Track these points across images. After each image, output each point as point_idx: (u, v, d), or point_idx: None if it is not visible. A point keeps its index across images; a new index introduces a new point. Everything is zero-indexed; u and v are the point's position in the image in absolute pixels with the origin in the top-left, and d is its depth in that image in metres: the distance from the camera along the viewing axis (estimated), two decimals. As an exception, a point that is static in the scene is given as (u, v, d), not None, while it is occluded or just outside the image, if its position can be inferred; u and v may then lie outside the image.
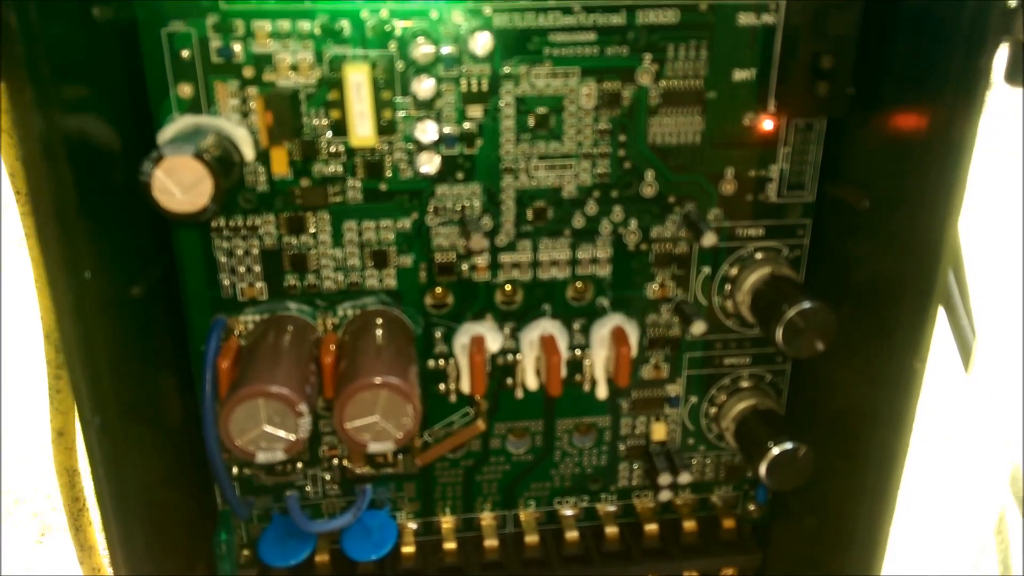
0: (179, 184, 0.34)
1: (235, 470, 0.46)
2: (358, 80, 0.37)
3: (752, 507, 0.52)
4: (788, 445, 0.43)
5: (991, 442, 0.41)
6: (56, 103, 0.30)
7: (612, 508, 0.50)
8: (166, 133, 0.38)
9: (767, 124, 0.42)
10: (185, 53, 0.37)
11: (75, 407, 0.49)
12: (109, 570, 0.55)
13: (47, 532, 1.72)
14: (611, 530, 0.50)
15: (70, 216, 0.31)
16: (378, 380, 0.37)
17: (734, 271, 0.45)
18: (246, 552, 0.48)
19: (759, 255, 0.45)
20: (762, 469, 0.44)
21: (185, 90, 0.38)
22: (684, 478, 0.48)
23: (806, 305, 0.40)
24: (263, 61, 0.38)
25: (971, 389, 0.42)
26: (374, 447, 0.38)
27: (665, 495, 0.49)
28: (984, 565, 0.47)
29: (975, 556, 0.45)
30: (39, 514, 1.76)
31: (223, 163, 0.36)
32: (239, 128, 0.39)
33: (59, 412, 0.49)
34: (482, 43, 0.38)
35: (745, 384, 0.48)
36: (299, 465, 0.47)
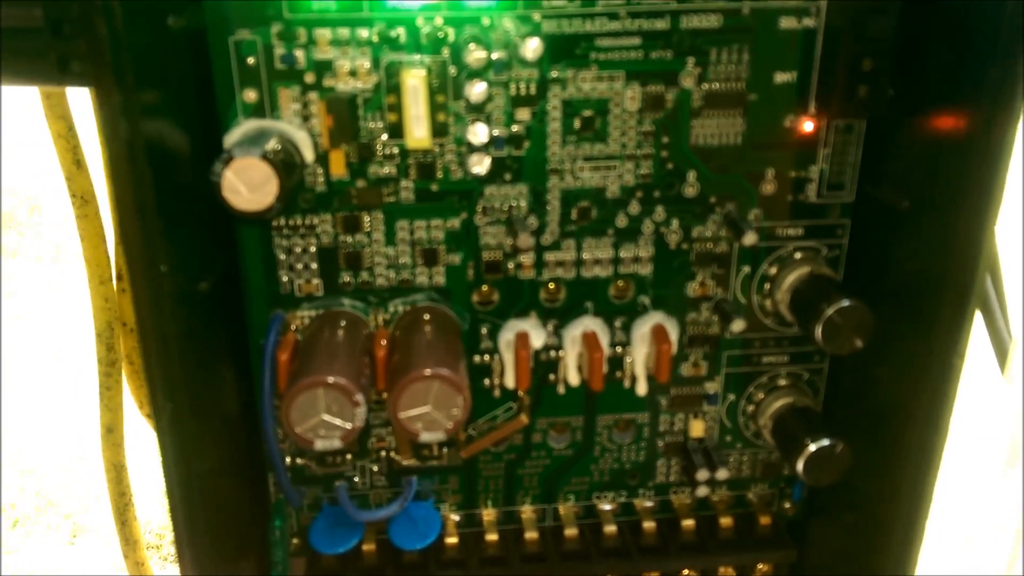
0: (247, 184, 0.36)
1: (288, 460, 0.48)
2: (415, 84, 0.39)
3: (788, 504, 0.52)
4: (825, 442, 0.44)
5: None
6: (138, 108, 0.32)
7: (649, 503, 0.51)
8: (232, 136, 0.40)
9: (807, 126, 0.43)
10: (251, 60, 0.39)
11: (123, 404, 0.51)
12: (152, 564, 0.57)
13: (79, 533, 1.75)
14: (648, 525, 0.51)
15: (149, 214, 0.33)
16: (431, 372, 0.39)
17: (773, 270, 0.46)
18: (296, 540, 0.50)
19: (798, 255, 0.46)
20: (799, 465, 0.45)
21: (250, 95, 0.40)
22: (721, 475, 0.49)
23: (845, 304, 0.41)
24: (323, 67, 0.40)
25: (1007, 391, 0.43)
26: (425, 436, 0.40)
27: (702, 491, 0.50)
28: (1016, 565, 0.47)
29: (1008, 555, 0.46)
30: (71, 516, 1.80)
31: (287, 164, 0.38)
32: (300, 131, 0.41)
33: (108, 409, 0.51)
34: (531, 48, 0.40)
35: (783, 382, 0.49)
36: (348, 456, 0.48)
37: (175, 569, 0.40)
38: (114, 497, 0.54)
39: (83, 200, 0.47)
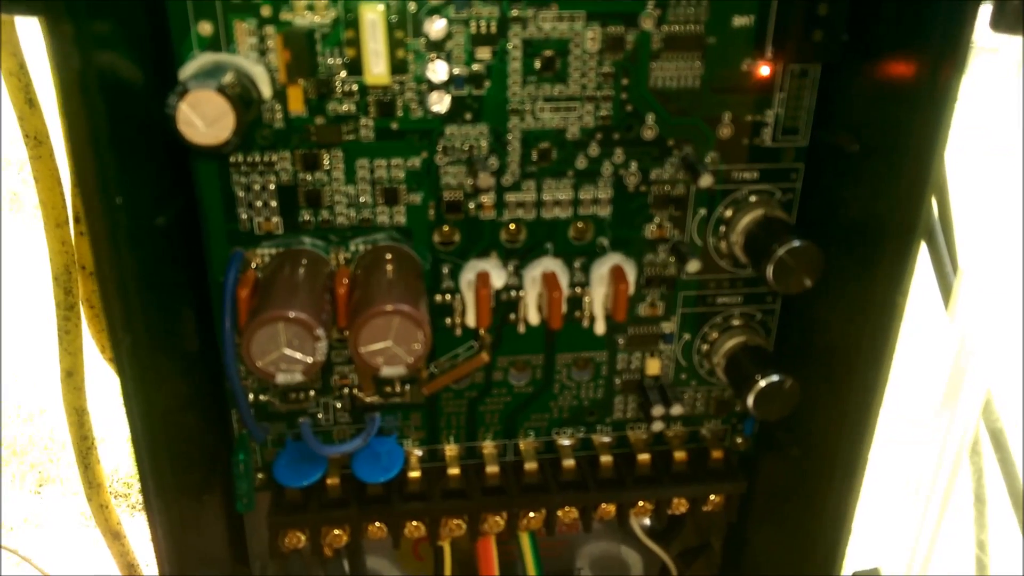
0: (203, 117, 0.36)
1: (251, 397, 0.49)
2: (373, 19, 0.38)
3: (739, 439, 0.54)
4: (775, 377, 0.46)
5: (968, 371, 0.44)
6: (90, 39, 0.32)
7: (607, 439, 0.53)
8: (187, 70, 0.39)
9: (764, 70, 0.44)
10: (205, -9, 0.39)
11: (83, 348, 0.51)
12: (120, 512, 0.58)
13: (45, 483, 1.75)
14: (606, 459, 0.52)
15: (104, 148, 0.33)
16: (391, 307, 0.39)
17: (729, 213, 0.47)
18: (260, 475, 0.51)
19: (753, 197, 0.47)
20: (750, 400, 0.46)
21: (205, 28, 0.39)
22: (676, 410, 0.50)
23: (795, 244, 0.42)
24: (280, 1, 0.39)
25: (951, 322, 0.45)
26: (387, 371, 0.40)
27: (657, 426, 0.52)
28: (959, 486, 0.50)
29: (950, 478, 0.48)
30: (36, 465, 1.79)
31: (243, 99, 0.37)
32: (257, 66, 0.40)
33: (68, 353, 0.51)
34: (492, -14, 0.40)
35: (736, 322, 0.50)
36: (311, 393, 0.49)
37: (143, 518, 0.41)
38: (76, 441, 0.54)
39: (36, 141, 0.46)
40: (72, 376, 0.52)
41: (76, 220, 0.48)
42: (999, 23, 0.34)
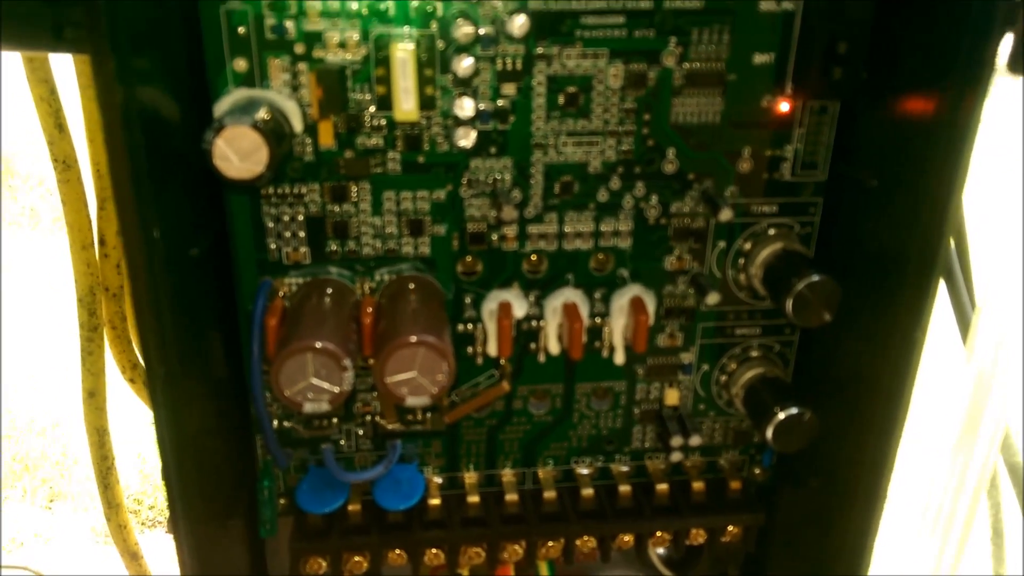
0: (238, 152, 0.37)
1: (275, 423, 0.49)
2: (404, 57, 0.40)
3: (757, 470, 0.55)
4: (794, 410, 0.46)
5: (986, 408, 0.44)
6: (133, 75, 0.33)
7: (625, 468, 0.53)
8: (222, 105, 0.41)
9: (784, 106, 0.44)
10: (241, 29, 0.40)
11: (105, 369, 0.52)
12: (135, 527, 0.58)
13: (56, 499, 1.76)
14: (624, 488, 0.53)
15: (143, 180, 0.34)
16: (417, 338, 0.40)
17: (748, 246, 0.48)
18: (283, 500, 0.51)
19: (772, 231, 0.47)
20: (769, 432, 0.47)
21: (240, 64, 0.41)
22: (694, 441, 0.51)
23: (814, 278, 0.43)
24: (313, 38, 0.41)
25: (969, 359, 0.45)
26: (411, 400, 0.41)
27: (676, 456, 0.52)
28: (978, 520, 0.50)
29: (968, 513, 0.48)
30: (48, 480, 1.80)
31: (276, 133, 0.38)
32: (289, 101, 0.41)
33: (91, 373, 0.52)
34: (518, 24, 0.41)
35: (755, 353, 0.51)
36: (334, 420, 0.50)
37: (153, 535, 0.42)
38: (96, 461, 0.55)
39: (65, 165, 0.47)
40: (94, 396, 0.53)
41: (101, 243, 0.49)
42: (1016, 67, 0.34)
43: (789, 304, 0.43)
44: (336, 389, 0.40)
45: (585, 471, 0.53)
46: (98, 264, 0.50)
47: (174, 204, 0.38)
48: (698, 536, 0.53)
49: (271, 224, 0.44)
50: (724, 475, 0.54)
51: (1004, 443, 0.47)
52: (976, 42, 0.35)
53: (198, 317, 0.42)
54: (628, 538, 0.53)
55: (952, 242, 0.48)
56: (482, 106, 0.43)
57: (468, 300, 0.47)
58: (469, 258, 0.46)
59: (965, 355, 0.46)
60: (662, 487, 0.53)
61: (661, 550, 0.59)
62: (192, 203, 0.41)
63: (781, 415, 0.46)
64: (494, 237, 0.46)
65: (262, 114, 0.38)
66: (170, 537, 0.41)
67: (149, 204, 0.35)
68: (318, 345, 0.39)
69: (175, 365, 0.37)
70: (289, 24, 0.40)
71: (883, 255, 0.42)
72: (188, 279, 0.40)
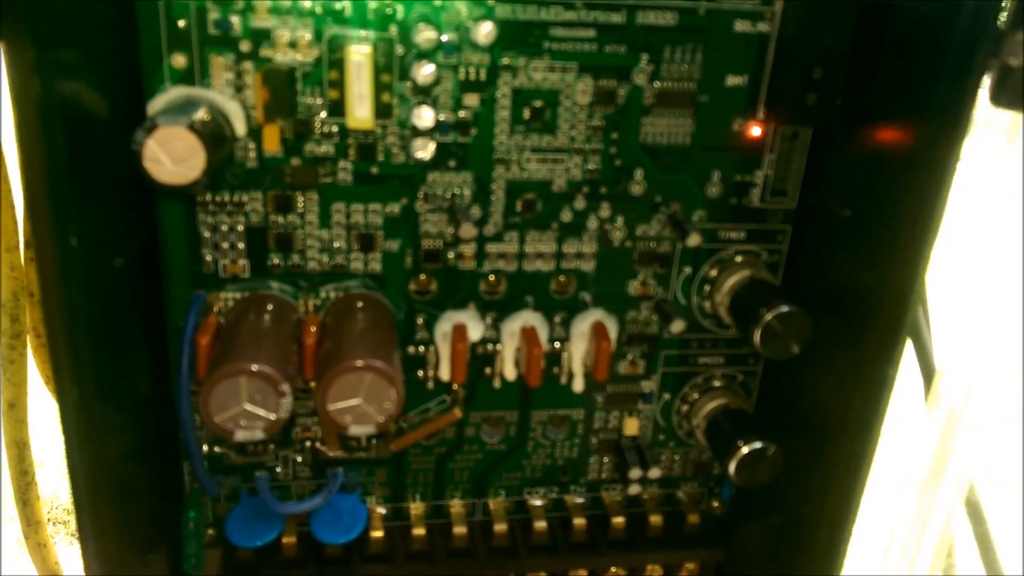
0: (171, 155, 0.33)
1: (205, 448, 0.46)
2: (359, 61, 0.37)
3: (716, 504, 0.53)
4: (757, 444, 0.44)
5: (948, 462, 0.43)
6: (53, 67, 0.30)
7: (581, 500, 0.51)
8: (157, 103, 0.37)
9: (755, 130, 0.43)
10: (181, 23, 0.37)
11: (27, 379, 0.48)
12: (60, 541, 0.54)
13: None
14: (579, 521, 0.50)
15: (61, 181, 0.31)
16: (363, 363, 0.37)
17: (714, 272, 0.46)
18: (212, 531, 0.47)
19: (739, 258, 0.46)
20: (731, 467, 0.45)
21: (179, 60, 0.37)
22: (653, 473, 0.49)
23: (784, 309, 0.41)
24: (261, 36, 0.37)
25: (931, 415, 0.44)
26: (355, 430, 0.38)
27: (634, 489, 0.50)
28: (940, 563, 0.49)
29: (932, 556, 0.47)
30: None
31: (215, 136, 0.35)
32: (231, 102, 0.38)
33: (12, 384, 0.48)
34: (484, 32, 0.38)
35: (717, 383, 0.49)
36: (271, 446, 0.46)
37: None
38: (15, 477, 0.51)
39: (-13, 161, 0.43)
40: (14, 408, 0.49)
41: (28, 245, 0.45)
42: (999, 98, 0.33)
43: (757, 335, 0.42)
44: (272, 416, 0.37)
45: (538, 503, 0.51)
46: (23, 268, 0.46)
47: (97, 209, 0.35)
48: (654, 572, 0.51)
49: (207, 234, 0.41)
50: (682, 508, 0.52)
51: (966, 498, 0.46)
52: (958, 72, 0.34)
53: (121, 332, 0.38)
54: (582, 573, 0.51)
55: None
56: (442, 117, 0.40)
57: (420, 321, 0.45)
58: (423, 276, 0.44)
59: (928, 405, 0.45)
60: (618, 520, 0.51)
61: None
62: (119, 209, 0.38)
63: (744, 449, 0.44)
64: (450, 255, 0.43)
65: (200, 114, 0.35)
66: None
67: (66, 208, 0.32)
68: (254, 368, 0.36)
69: (89, 384, 0.34)
70: (235, 19, 0.37)
71: (854, 289, 0.41)
72: (110, 291, 0.36)
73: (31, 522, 0.52)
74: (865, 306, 0.39)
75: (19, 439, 0.49)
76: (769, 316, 0.41)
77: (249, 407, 0.36)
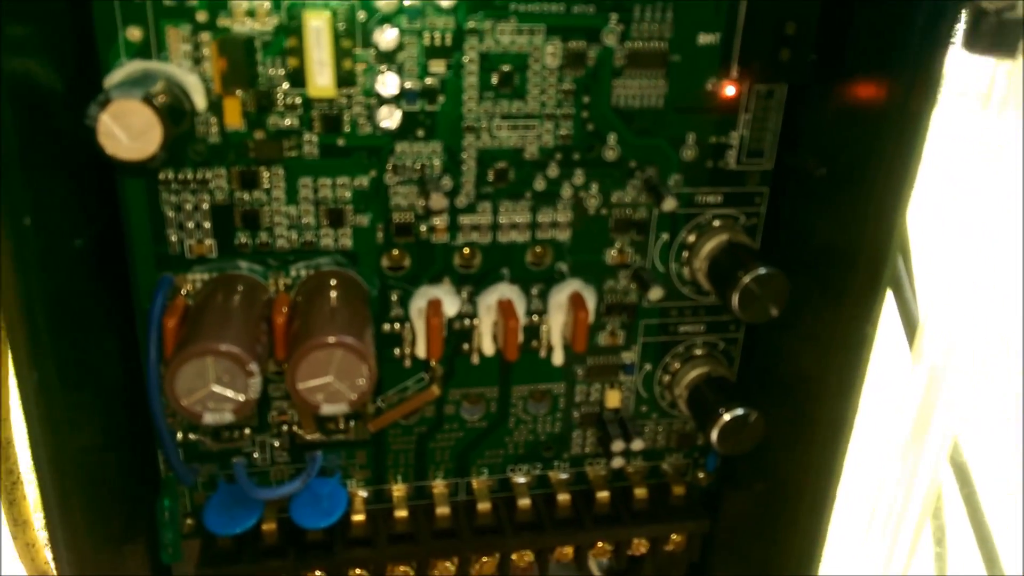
0: (126, 130, 0.32)
1: (180, 435, 0.44)
2: (318, 26, 0.36)
3: (702, 475, 0.52)
4: (739, 411, 0.44)
5: (933, 419, 0.43)
6: (3, 42, 0.28)
7: (564, 475, 0.50)
8: (114, 78, 0.36)
9: (729, 90, 0.42)
10: (134, -7, 0.35)
11: (10, 369, 0.47)
12: (44, 544, 0.53)
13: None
14: (563, 497, 0.50)
15: (10, 159, 0.29)
16: (333, 339, 0.36)
17: (692, 238, 0.45)
18: (189, 520, 0.46)
19: (717, 222, 0.45)
20: (714, 435, 0.44)
21: (135, 34, 0.36)
22: (637, 445, 0.48)
23: (761, 271, 0.41)
24: (218, 6, 0.36)
25: (915, 369, 0.44)
26: (327, 409, 0.37)
27: (617, 462, 0.49)
28: (927, 526, 0.49)
29: (917, 518, 0.47)
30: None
31: (173, 110, 0.34)
32: (190, 75, 0.37)
33: (-9, 379, 0.47)
34: (447, -5, 0.37)
35: (699, 352, 0.48)
36: (247, 431, 0.45)
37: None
38: (1, 475, 0.49)
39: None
40: (-4, 404, 0.47)
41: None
42: (973, 43, 0.32)
43: (735, 298, 0.41)
44: (241, 397, 0.36)
45: (522, 480, 0.50)
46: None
47: (53, 189, 0.34)
48: (640, 546, 0.51)
49: (171, 213, 0.40)
50: (667, 480, 0.51)
51: (950, 455, 0.46)
52: (930, 18, 0.33)
53: (84, 318, 0.37)
54: (568, 550, 0.50)
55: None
56: (408, 84, 0.39)
57: (394, 297, 0.44)
58: (395, 251, 0.43)
59: (912, 361, 0.44)
60: (603, 495, 0.50)
61: (604, 561, 0.56)
62: (78, 188, 0.37)
63: (726, 416, 0.44)
64: (422, 228, 0.42)
65: (156, 88, 0.34)
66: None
67: (18, 187, 0.30)
68: (220, 348, 0.35)
69: (51, 372, 0.33)
70: (189, -12, 0.36)
71: (833, 247, 0.40)
72: (70, 273, 0.35)
73: (18, 522, 0.51)
74: (843, 265, 0.39)
75: (3, 437, 0.48)
76: (747, 279, 0.40)
77: (217, 388, 0.35)
